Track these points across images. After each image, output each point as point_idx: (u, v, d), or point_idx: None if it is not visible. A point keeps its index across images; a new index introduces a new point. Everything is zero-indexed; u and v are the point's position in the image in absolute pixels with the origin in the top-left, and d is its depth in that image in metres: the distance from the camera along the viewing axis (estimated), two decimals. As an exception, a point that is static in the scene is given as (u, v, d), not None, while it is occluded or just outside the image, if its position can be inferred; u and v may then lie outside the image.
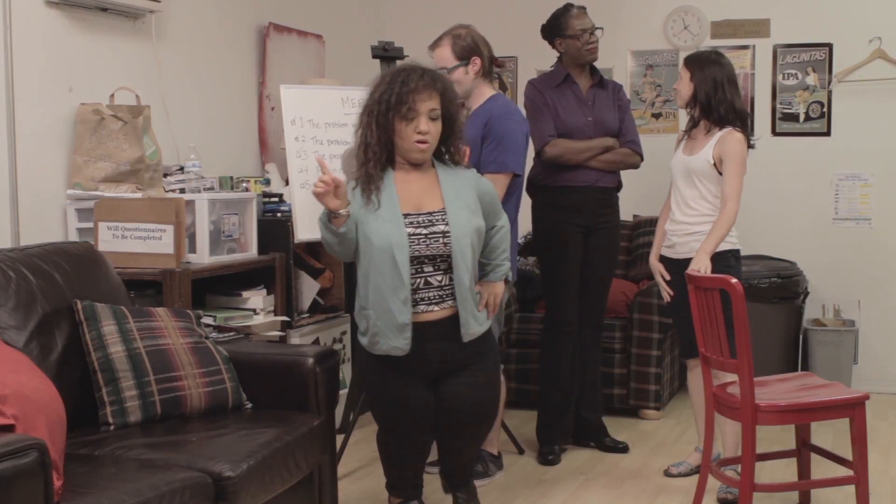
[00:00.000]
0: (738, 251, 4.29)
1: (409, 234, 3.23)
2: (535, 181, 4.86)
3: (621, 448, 4.91)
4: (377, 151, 3.26)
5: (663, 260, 4.42)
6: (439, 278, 3.28)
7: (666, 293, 4.41)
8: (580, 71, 4.83)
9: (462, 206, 3.30)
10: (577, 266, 4.80)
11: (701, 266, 3.99)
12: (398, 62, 3.61)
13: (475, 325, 3.35)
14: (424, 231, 3.25)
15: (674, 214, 4.37)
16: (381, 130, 3.24)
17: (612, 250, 4.94)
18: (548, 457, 4.77)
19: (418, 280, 3.25)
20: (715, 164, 4.20)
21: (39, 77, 4.08)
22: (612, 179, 4.85)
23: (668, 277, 4.37)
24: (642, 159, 4.87)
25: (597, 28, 4.77)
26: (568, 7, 4.82)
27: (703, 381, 4.06)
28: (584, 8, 4.83)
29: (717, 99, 4.22)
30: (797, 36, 6.13)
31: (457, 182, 3.35)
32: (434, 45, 4.34)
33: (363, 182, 3.27)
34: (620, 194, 4.94)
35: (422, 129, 3.24)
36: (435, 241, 3.26)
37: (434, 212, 3.29)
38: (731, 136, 4.20)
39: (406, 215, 3.25)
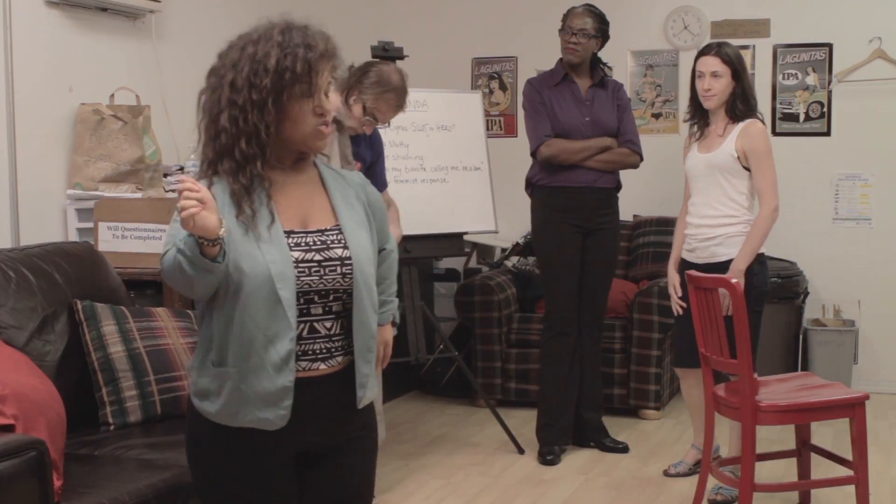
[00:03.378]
0: (762, 254, 4.13)
1: (297, 261, 2.27)
2: (533, 181, 4.86)
3: (621, 448, 4.91)
4: (264, 142, 2.27)
5: (683, 264, 4.26)
6: (329, 324, 2.31)
7: (677, 307, 4.28)
8: (579, 70, 4.80)
9: (359, 223, 2.41)
10: (576, 266, 4.79)
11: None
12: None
13: (374, 386, 2.41)
14: (318, 256, 2.30)
15: (693, 218, 4.23)
16: (278, 111, 2.26)
17: (612, 251, 4.92)
18: (547, 457, 4.76)
19: (301, 326, 2.29)
20: (739, 158, 4.09)
21: (39, 77, 4.08)
22: (610, 180, 4.83)
23: (679, 293, 4.25)
24: (642, 159, 4.86)
25: (592, 36, 4.70)
26: (579, 5, 4.81)
27: (703, 382, 4.05)
28: (592, 10, 4.77)
29: (751, 91, 4.18)
30: (797, 36, 6.13)
31: (346, 189, 2.44)
32: (402, 105, 3.96)
33: (241, 190, 2.27)
34: (620, 194, 4.93)
35: (327, 106, 2.31)
36: (332, 271, 2.30)
37: (326, 229, 2.35)
38: (753, 128, 4.10)
39: (289, 233, 2.30)
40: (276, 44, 2.27)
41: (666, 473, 4.54)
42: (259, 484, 2.31)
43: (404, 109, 3.96)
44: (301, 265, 2.26)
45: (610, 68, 5.00)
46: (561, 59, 4.84)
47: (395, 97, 3.88)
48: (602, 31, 4.76)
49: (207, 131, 2.28)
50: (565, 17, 4.77)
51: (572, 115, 4.75)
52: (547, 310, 4.91)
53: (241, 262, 2.21)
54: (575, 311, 4.82)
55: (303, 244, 2.29)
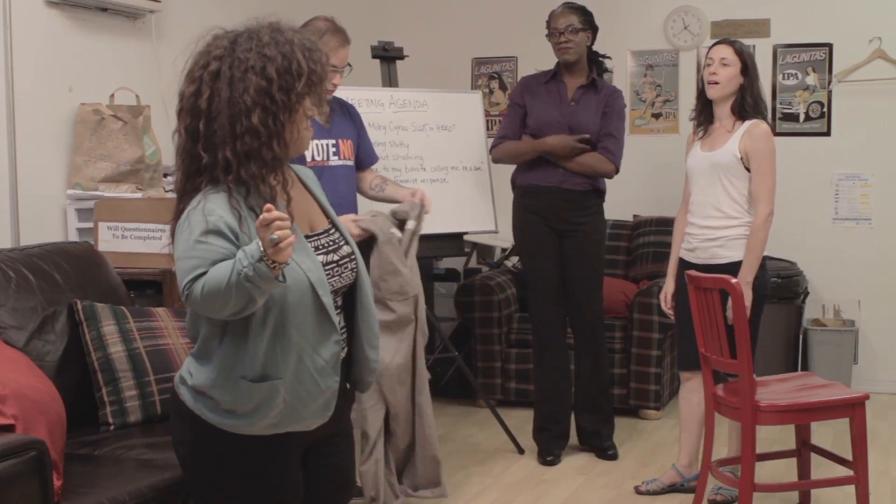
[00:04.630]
0: (762, 258, 4.02)
1: (323, 264, 2.31)
2: (514, 180, 4.85)
3: (609, 456, 4.77)
4: (288, 143, 2.27)
5: (681, 263, 4.21)
6: (337, 319, 2.34)
7: (670, 314, 4.29)
8: (575, 69, 4.73)
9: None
10: (554, 267, 4.71)
11: (746, 301, 3.75)
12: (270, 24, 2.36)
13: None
14: (335, 257, 2.35)
15: (694, 218, 4.14)
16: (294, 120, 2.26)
17: (592, 255, 4.74)
18: (547, 458, 4.74)
19: None
20: (742, 159, 3.99)
21: (39, 77, 4.08)
22: (581, 182, 4.68)
23: (668, 304, 4.25)
24: (617, 170, 4.70)
25: (580, 30, 4.63)
26: (557, 6, 4.75)
27: (702, 383, 4.04)
28: (571, 6, 4.70)
29: (760, 95, 4.07)
30: (797, 36, 6.13)
31: (317, 185, 2.49)
32: (346, 41, 3.90)
33: (268, 194, 2.23)
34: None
35: (312, 113, 2.31)
36: (344, 269, 2.37)
37: (328, 229, 2.40)
38: (758, 129, 3.99)
39: (306, 238, 2.31)
40: (298, 46, 2.25)
41: (637, 490, 4.34)
42: (281, 483, 2.33)
43: (349, 41, 3.91)
44: (327, 268, 2.30)
45: (609, 58, 4.93)
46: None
47: (332, 36, 3.85)
48: (588, 22, 4.69)
49: (220, 133, 2.19)
50: (548, 21, 4.71)
51: (550, 114, 4.69)
52: (530, 312, 4.89)
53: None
54: (559, 313, 4.75)
55: (320, 247, 2.33)
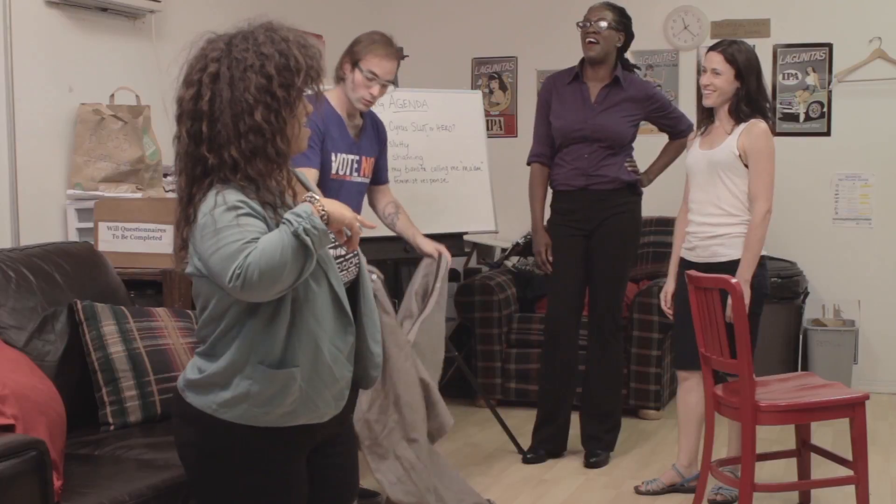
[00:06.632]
0: (762, 256, 4.03)
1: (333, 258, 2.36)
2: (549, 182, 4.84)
3: (591, 463, 4.69)
4: (290, 139, 2.30)
5: (682, 263, 4.21)
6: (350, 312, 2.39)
7: (669, 313, 4.33)
8: (597, 70, 4.65)
9: None
10: (574, 270, 4.70)
11: (745, 298, 3.76)
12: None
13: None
14: (341, 251, 2.37)
15: (694, 216, 4.15)
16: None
17: (611, 254, 4.67)
18: (528, 455, 4.75)
19: None
20: (740, 156, 3.99)
21: (39, 77, 4.08)
22: (606, 181, 4.65)
23: (668, 304, 4.28)
24: (692, 126, 4.66)
25: (611, 28, 4.55)
26: (598, 1, 4.70)
27: (699, 383, 4.04)
28: (611, 5, 4.63)
29: (760, 94, 4.06)
30: (797, 36, 6.13)
31: (311, 185, 2.52)
32: (392, 54, 3.89)
33: (277, 189, 2.26)
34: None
35: (310, 108, 2.33)
36: (350, 265, 2.41)
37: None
38: (756, 128, 4.00)
39: None
40: (294, 43, 2.27)
41: (637, 490, 4.34)
42: (289, 483, 2.32)
43: (398, 59, 3.91)
44: (336, 262, 2.34)
45: (639, 68, 4.89)
46: (584, 58, 4.69)
47: (382, 46, 3.84)
48: (623, 24, 4.61)
49: (224, 133, 2.20)
50: (586, 14, 4.65)
51: (572, 118, 4.64)
52: (546, 311, 4.91)
53: None
54: (570, 314, 4.72)
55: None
